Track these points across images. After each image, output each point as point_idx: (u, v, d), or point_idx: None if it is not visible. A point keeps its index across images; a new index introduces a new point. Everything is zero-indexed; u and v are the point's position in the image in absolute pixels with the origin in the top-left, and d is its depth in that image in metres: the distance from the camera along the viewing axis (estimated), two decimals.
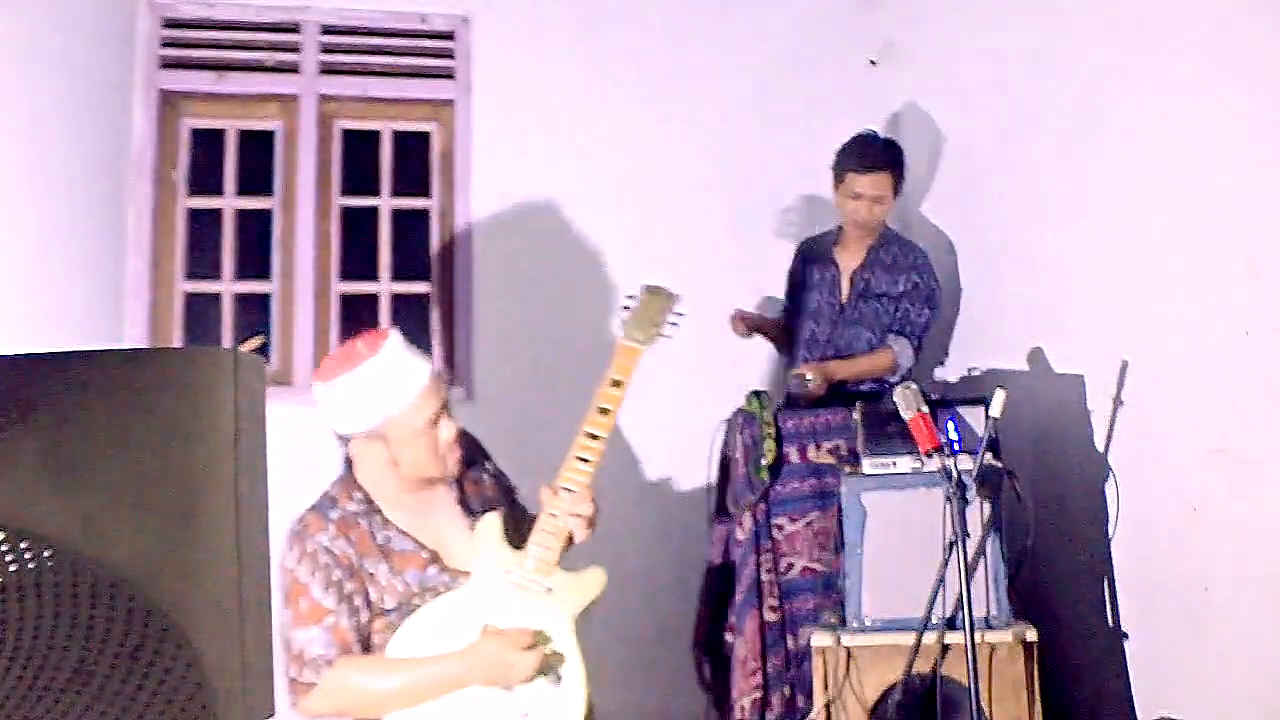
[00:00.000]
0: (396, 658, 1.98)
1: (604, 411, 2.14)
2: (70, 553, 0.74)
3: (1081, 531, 2.62)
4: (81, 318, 3.05)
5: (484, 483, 2.25)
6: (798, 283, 3.22)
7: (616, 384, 2.17)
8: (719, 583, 2.82)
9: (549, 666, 2.00)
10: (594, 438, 2.12)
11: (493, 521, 2.09)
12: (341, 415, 2.03)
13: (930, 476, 2.31)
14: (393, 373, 2.01)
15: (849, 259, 3.17)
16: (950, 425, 2.31)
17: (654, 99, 3.61)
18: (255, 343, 3.00)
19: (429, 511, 2.12)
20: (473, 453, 2.26)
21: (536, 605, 2.02)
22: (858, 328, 3.14)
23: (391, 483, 2.07)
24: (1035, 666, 2.30)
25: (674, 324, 2.27)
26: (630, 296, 2.31)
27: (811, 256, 3.21)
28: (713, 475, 2.92)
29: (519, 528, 2.15)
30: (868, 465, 2.43)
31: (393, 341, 2.04)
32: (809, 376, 2.89)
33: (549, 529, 2.06)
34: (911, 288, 3.11)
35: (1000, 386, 2.25)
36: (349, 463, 2.10)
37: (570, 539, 2.10)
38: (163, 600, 0.77)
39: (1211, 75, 2.23)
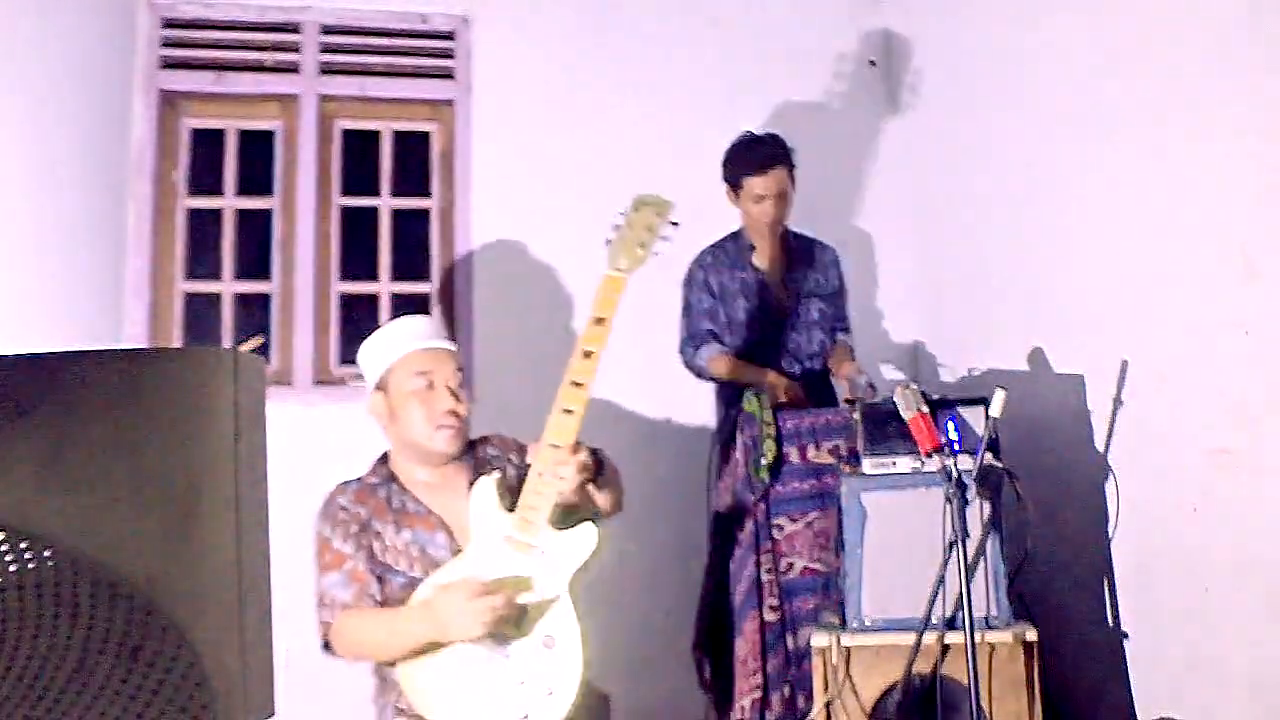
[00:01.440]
0: (378, 613, 2.08)
1: (588, 355, 2.04)
2: (70, 553, 0.74)
3: (1081, 531, 2.62)
4: (81, 318, 3.05)
5: (507, 473, 2.25)
6: (712, 294, 3.13)
7: (599, 321, 2.07)
8: (719, 583, 2.81)
9: (518, 618, 1.96)
10: (578, 385, 2.03)
11: (487, 484, 2.11)
12: (366, 368, 2.26)
13: (930, 476, 2.31)
14: (407, 328, 2.25)
15: (769, 262, 3.16)
16: (950, 425, 2.31)
17: (653, 99, 3.61)
18: (255, 343, 3.00)
19: (443, 488, 2.21)
20: (494, 444, 2.33)
21: (532, 566, 2.01)
22: (808, 330, 3.16)
23: (410, 460, 2.23)
24: (1035, 666, 2.30)
25: (666, 238, 2.13)
26: (620, 213, 2.16)
27: (720, 265, 3.15)
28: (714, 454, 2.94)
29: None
30: (868, 465, 2.43)
31: (426, 317, 2.33)
32: (868, 377, 2.92)
33: (537, 488, 2.03)
34: (840, 284, 3.25)
35: (1000, 386, 2.25)
36: (384, 457, 2.28)
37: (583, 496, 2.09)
38: (163, 600, 0.77)
39: (1212, 75, 2.23)
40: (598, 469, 2.13)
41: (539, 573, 2.02)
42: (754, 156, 3.05)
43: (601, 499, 2.19)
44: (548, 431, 2.05)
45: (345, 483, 2.25)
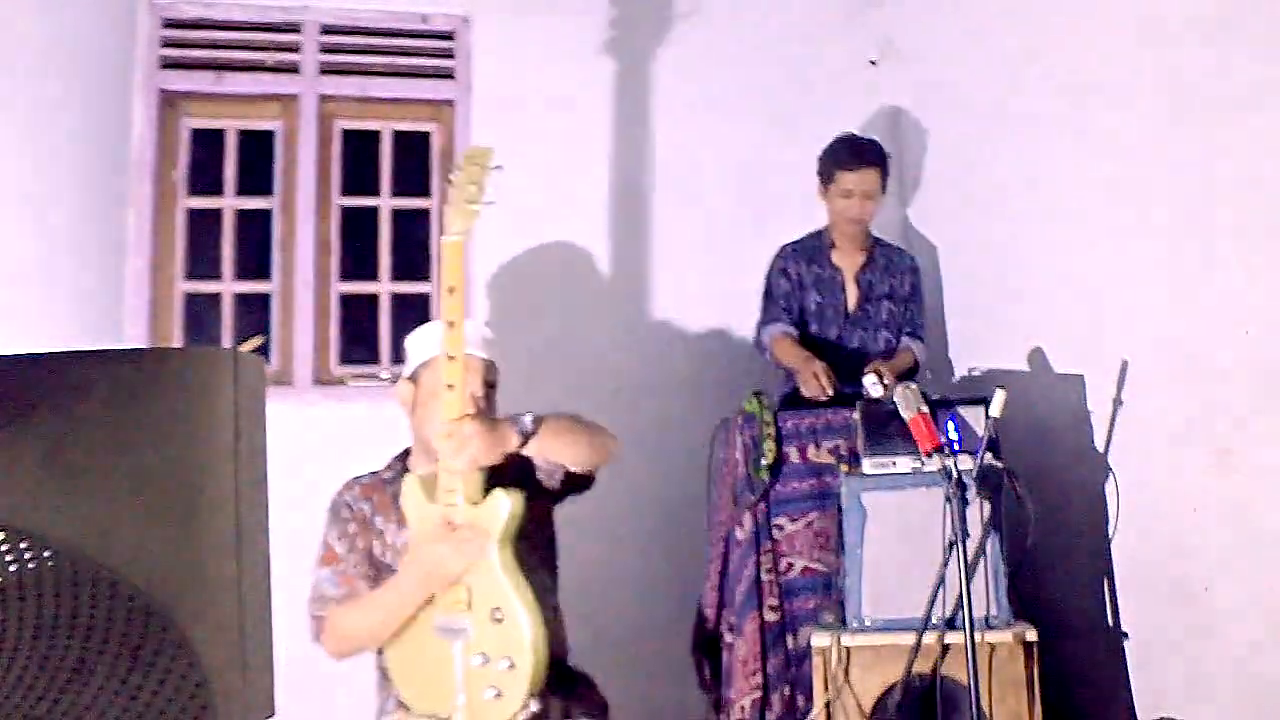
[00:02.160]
0: (367, 596, 2.12)
1: (451, 325, 2.05)
2: (70, 553, 0.74)
3: (1081, 531, 2.62)
4: (81, 318, 3.05)
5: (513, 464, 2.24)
6: (789, 280, 3.19)
7: (450, 290, 2.08)
8: (718, 584, 2.81)
9: (477, 548, 2.00)
10: (451, 359, 2.04)
11: (410, 481, 2.11)
12: (410, 352, 2.24)
13: (930, 476, 2.31)
14: (450, 331, 2.13)
15: (848, 261, 3.20)
16: (950, 425, 2.31)
17: (653, 99, 3.61)
18: (255, 343, 3.00)
19: None
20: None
21: (463, 548, 2.03)
22: (875, 330, 3.17)
23: (421, 452, 2.22)
24: (1035, 666, 2.30)
25: (490, 187, 2.10)
26: (450, 176, 2.14)
27: (800, 259, 3.20)
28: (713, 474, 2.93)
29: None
30: (868, 465, 2.43)
31: (478, 323, 2.23)
32: (887, 380, 2.88)
33: (445, 469, 2.05)
34: (912, 290, 3.24)
35: (1000, 386, 2.25)
36: (405, 453, 2.29)
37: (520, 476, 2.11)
38: (163, 600, 0.77)
39: (1212, 74, 2.24)
40: (528, 433, 2.10)
41: (471, 552, 2.04)
42: (850, 152, 3.11)
43: (564, 455, 2.16)
44: (442, 409, 2.06)
45: (358, 477, 2.26)
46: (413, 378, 2.22)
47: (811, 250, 3.21)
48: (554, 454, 2.17)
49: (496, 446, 2.05)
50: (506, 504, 2.04)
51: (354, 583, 2.13)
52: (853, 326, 3.17)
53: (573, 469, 2.20)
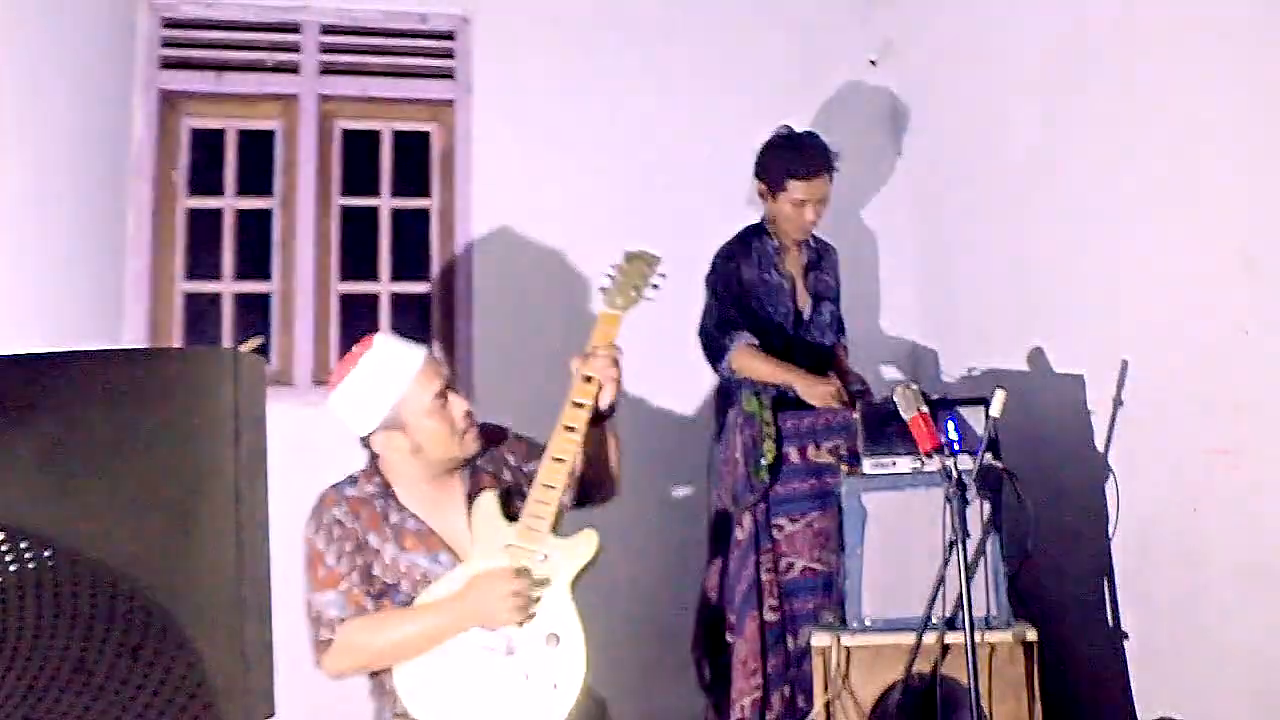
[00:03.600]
0: (395, 612, 2.10)
1: (588, 380, 2.16)
2: (70, 553, 0.74)
3: (1081, 531, 2.62)
4: (81, 318, 3.05)
5: (503, 477, 2.27)
6: (741, 285, 3.01)
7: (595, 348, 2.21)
8: (719, 584, 2.81)
9: (535, 603, 2.04)
10: (579, 406, 2.16)
11: (489, 497, 2.16)
12: (357, 415, 2.14)
13: (930, 476, 2.30)
14: (389, 359, 2.15)
15: (793, 265, 3.10)
16: (950, 425, 2.31)
17: (654, 99, 3.61)
18: (255, 343, 2.99)
19: (441, 502, 2.20)
20: (497, 443, 2.32)
21: (535, 570, 2.08)
22: (822, 331, 3.11)
23: (412, 474, 2.18)
24: (1035, 666, 2.30)
25: (656, 286, 2.29)
26: (613, 265, 2.33)
27: (748, 263, 3.03)
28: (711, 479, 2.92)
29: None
30: (868, 465, 2.43)
31: (381, 336, 2.21)
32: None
33: (540, 498, 2.11)
34: (838, 285, 3.20)
35: (1000, 386, 2.25)
36: (374, 456, 2.20)
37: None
38: (163, 600, 0.77)
39: (1211, 74, 2.23)
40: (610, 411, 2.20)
41: (541, 576, 2.08)
42: (804, 161, 2.91)
43: (613, 455, 2.27)
44: (552, 446, 2.14)
45: (337, 486, 2.18)
46: (394, 427, 2.12)
47: (759, 255, 3.04)
48: (610, 447, 2.26)
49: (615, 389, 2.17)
50: (595, 543, 2.10)
51: (362, 601, 2.09)
52: (805, 332, 3.07)
53: (612, 468, 2.29)
